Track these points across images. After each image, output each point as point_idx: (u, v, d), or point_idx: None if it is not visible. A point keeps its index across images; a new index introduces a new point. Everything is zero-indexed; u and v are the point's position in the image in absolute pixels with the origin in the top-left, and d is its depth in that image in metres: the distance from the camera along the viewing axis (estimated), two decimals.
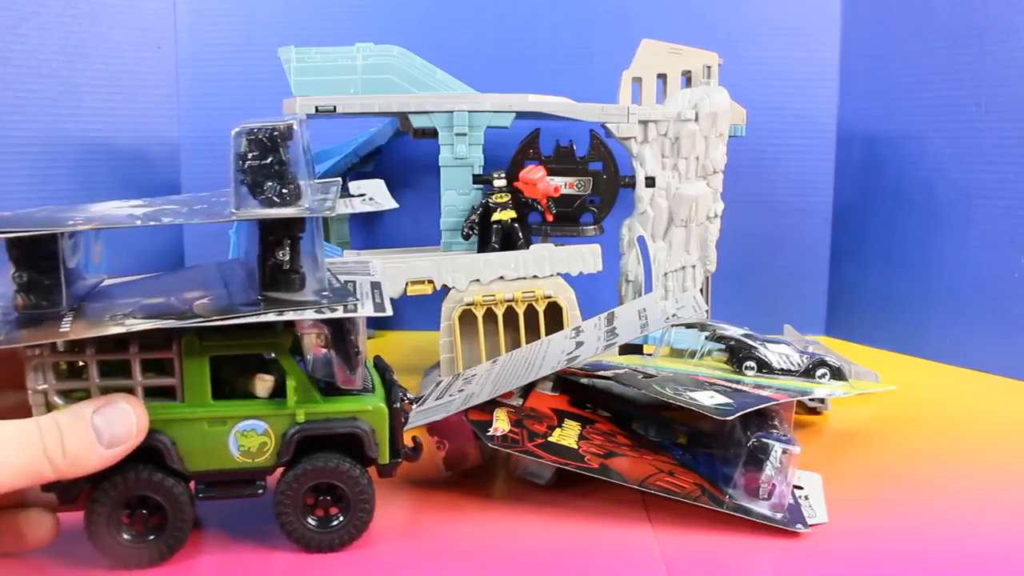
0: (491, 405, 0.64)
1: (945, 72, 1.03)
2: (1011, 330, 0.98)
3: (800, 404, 0.83)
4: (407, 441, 0.56)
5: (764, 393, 0.69)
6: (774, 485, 0.59)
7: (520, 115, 0.89)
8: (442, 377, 0.79)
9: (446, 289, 0.83)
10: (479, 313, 0.83)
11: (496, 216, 0.85)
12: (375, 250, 0.97)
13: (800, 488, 0.63)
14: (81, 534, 0.50)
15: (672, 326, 0.86)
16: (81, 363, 0.50)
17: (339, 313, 0.50)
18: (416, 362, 1.00)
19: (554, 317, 0.84)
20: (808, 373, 0.84)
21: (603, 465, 0.60)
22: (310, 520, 0.53)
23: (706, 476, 0.62)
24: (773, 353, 0.84)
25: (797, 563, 0.54)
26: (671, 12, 1.15)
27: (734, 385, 0.73)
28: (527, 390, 0.69)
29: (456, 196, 0.88)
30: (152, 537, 0.51)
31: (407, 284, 0.82)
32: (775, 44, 1.16)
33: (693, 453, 0.66)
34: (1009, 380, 0.97)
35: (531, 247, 0.86)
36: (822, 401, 0.83)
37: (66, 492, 0.50)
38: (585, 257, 0.85)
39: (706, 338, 0.89)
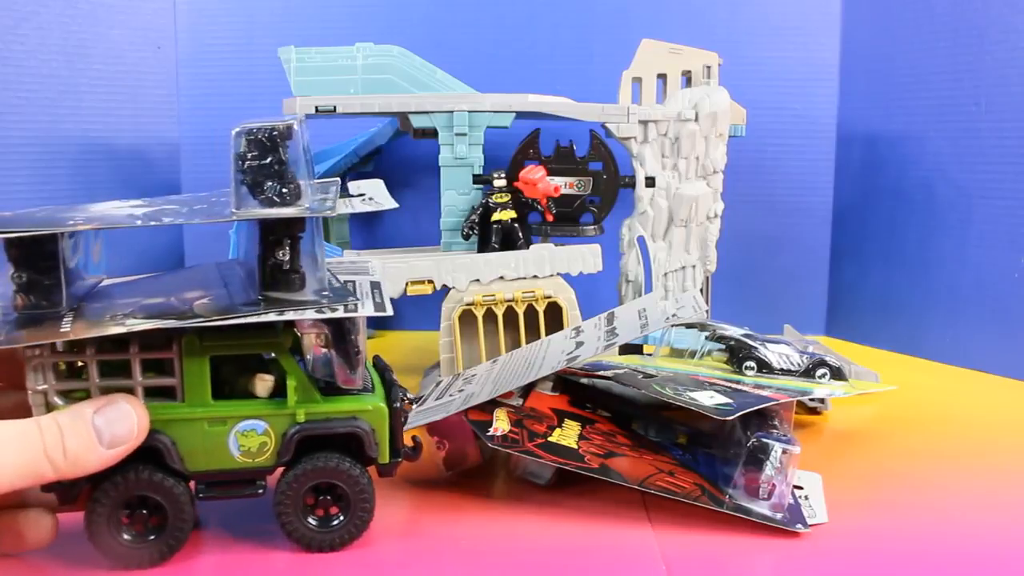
0: (491, 405, 0.64)
1: (945, 72, 1.03)
2: (1011, 330, 0.98)
3: (800, 404, 0.83)
4: (407, 441, 0.56)
5: (764, 393, 0.69)
6: (774, 485, 0.59)
7: (520, 115, 0.89)
8: (442, 377, 0.79)
9: (446, 289, 0.83)
10: (479, 313, 0.83)
11: (496, 216, 0.85)
12: (375, 250, 0.97)
13: (800, 488, 0.63)
14: (81, 534, 0.50)
15: (672, 326, 0.86)
16: (81, 363, 0.50)
17: (339, 313, 0.50)
18: (416, 362, 1.00)
19: (554, 317, 0.84)
20: (808, 373, 0.84)
21: (603, 465, 0.60)
22: (310, 520, 0.53)
23: (706, 476, 0.62)
24: (773, 353, 0.84)
25: (797, 563, 0.54)
26: (671, 12, 1.15)
27: (734, 385, 0.73)
28: (527, 390, 0.69)
29: (456, 196, 0.88)
30: (152, 537, 0.51)
31: (407, 284, 0.82)
32: (775, 44, 1.16)
33: (693, 453, 0.66)
34: (1009, 380, 0.97)
35: (531, 247, 0.86)
36: (822, 401, 0.83)
37: (66, 492, 0.50)
38: (585, 257, 0.85)
39: (706, 338, 0.89)
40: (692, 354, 0.88)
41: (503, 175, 0.86)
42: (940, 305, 1.05)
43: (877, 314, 1.14)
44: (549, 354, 0.70)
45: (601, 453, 0.61)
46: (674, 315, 0.70)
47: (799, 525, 0.57)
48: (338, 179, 0.57)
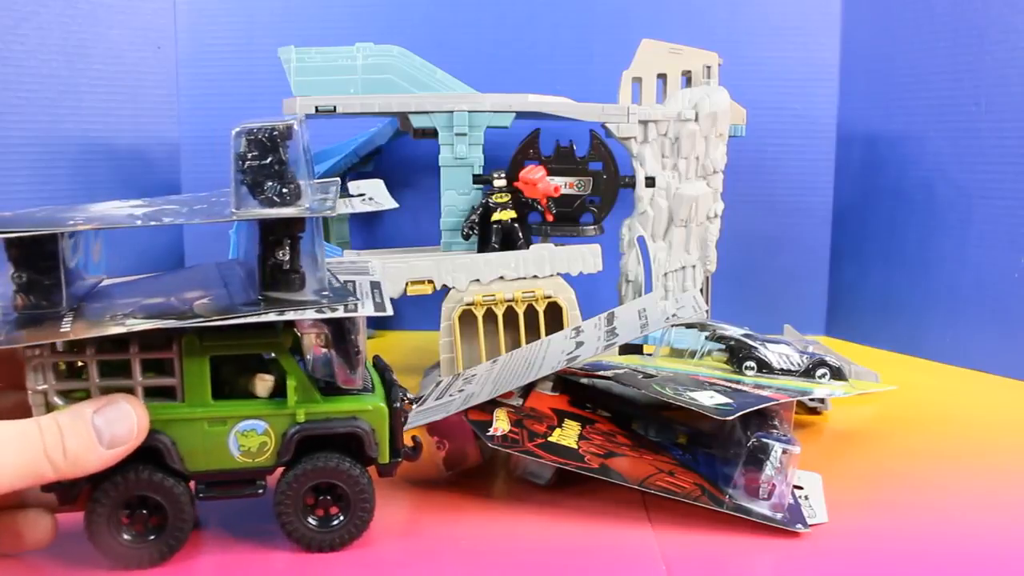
0: (491, 405, 0.64)
1: (945, 72, 1.03)
2: (1011, 330, 0.98)
3: (800, 404, 0.83)
4: (407, 441, 0.56)
5: (764, 393, 0.69)
6: (774, 485, 0.59)
7: (520, 115, 0.89)
8: (442, 377, 0.79)
9: (446, 289, 0.83)
10: (479, 313, 0.83)
11: (496, 216, 0.85)
12: (375, 250, 0.97)
13: (800, 488, 0.63)
14: (81, 534, 0.50)
15: (672, 326, 0.86)
16: (81, 363, 0.50)
17: (339, 313, 0.50)
18: (416, 362, 1.00)
19: (554, 317, 0.84)
20: (808, 373, 0.84)
21: (603, 465, 0.60)
22: (310, 520, 0.53)
23: (706, 476, 0.62)
24: (773, 353, 0.84)
25: (797, 563, 0.54)
26: (671, 12, 1.15)
27: (734, 385, 0.73)
28: (527, 390, 0.69)
29: (456, 196, 0.88)
30: (152, 537, 0.51)
31: (407, 284, 0.82)
32: (775, 44, 1.16)
33: (693, 453, 0.66)
34: (1009, 380, 0.97)
35: (531, 247, 0.86)
36: (822, 401, 0.83)
37: (66, 492, 0.50)
38: (585, 257, 0.85)
39: (706, 338, 0.89)
40: (692, 354, 0.88)
41: (503, 175, 0.86)
42: (940, 305, 1.05)
43: (877, 314, 1.14)
44: (549, 354, 0.70)
45: (601, 453, 0.61)
46: (674, 315, 0.70)
47: (799, 525, 0.57)
48: (338, 179, 0.57)
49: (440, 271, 0.83)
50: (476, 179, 0.88)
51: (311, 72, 0.87)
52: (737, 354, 0.84)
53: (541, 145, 0.88)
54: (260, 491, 0.53)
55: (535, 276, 0.84)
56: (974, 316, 1.01)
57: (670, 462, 0.63)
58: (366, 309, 0.51)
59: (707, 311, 0.86)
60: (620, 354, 0.90)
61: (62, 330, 0.48)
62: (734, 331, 0.88)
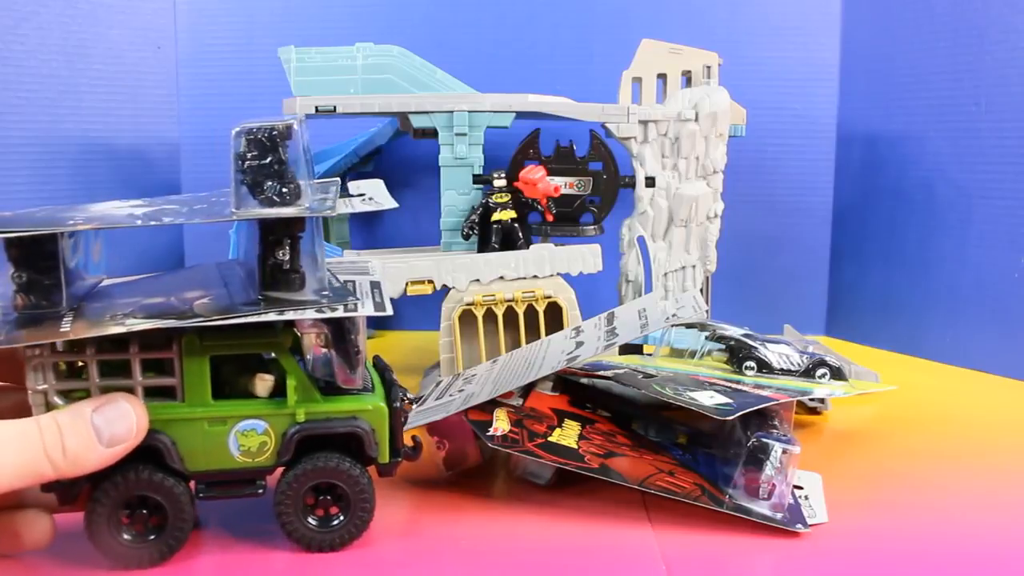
0: (491, 405, 0.64)
1: (945, 72, 1.03)
2: (1011, 330, 0.98)
3: (800, 404, 0.83)
4: (407, 441, 0.56)
5: (764, 393, 0.69)
6: (774, 485, 0.59)
7: (520, 115, 0.89)
8: (442, 377, 0.79)
9: (446, 289, 0.83)
10: (479, 313, 0.83)
11: (496, 216, 0.85)
12: (375, 250, 0.97)
13: (800, 488, 0.63)
14: (81, 534, 0.50)
15: (672, 326, 0.86)
16: (81, 363, 0.50)
17: (339, 313, 0.50)
18: (416, 362, 1.00)
19: (554, 317, 0.84)
20: (808, 373, 0.84)
21: (603, 465, 0.60)
22: (310, 520, 0.53)
23: (706, 476, 0.62)
24: (773, 353, 0.84)
25: (797, 563, 0.54)
26: (671, 12, 1.15)
27: (734, 385, 0.73)
28: (527, 390, 0.69)
29: (456, 196, 0.88)
30: (152, 537, 0.51)
31: (407, 284, 0.82)
32: (775, 44, 1.16)
33: (693, 453, 0.66)
34: (1009, 380, 0.97)
35: (531, 247, 0.86)
36: (822, 401, 0.83)
37: (66, 492, 0.50)
38: (585, 257, 0.85)
39: (706, 338, 0.88)
40: (692, 354, 0.88)
41: (503, 175, 0.86)
42: (940, 305, 1.05)
43: (877, 314, 1.14)
44: (549, 354, 0.70)
45: (601, 453, 0.61)
46: (674, 315, 0.70)
47: (799, 525, 0.57)
48: (338, 179, 0.57)
49: (440, 271, 0.83)
50: (476, 179, 0.88)
51: (311, 72, 0.87)
52: (737, 354, 0.84)
53: (541, 145, 0.88)
54: (260, 491, 0.53)
55: (535, 276, 0.84)
56: (974, 316, 1.01)
57: (670, 462, 0.63)
58: (366, 309, 0.51)
59: (707, 311, 0.86)
60: (620, 354, 0.90)
61: (62, 330, 0.48)
62: (734, 331, 0.88)
